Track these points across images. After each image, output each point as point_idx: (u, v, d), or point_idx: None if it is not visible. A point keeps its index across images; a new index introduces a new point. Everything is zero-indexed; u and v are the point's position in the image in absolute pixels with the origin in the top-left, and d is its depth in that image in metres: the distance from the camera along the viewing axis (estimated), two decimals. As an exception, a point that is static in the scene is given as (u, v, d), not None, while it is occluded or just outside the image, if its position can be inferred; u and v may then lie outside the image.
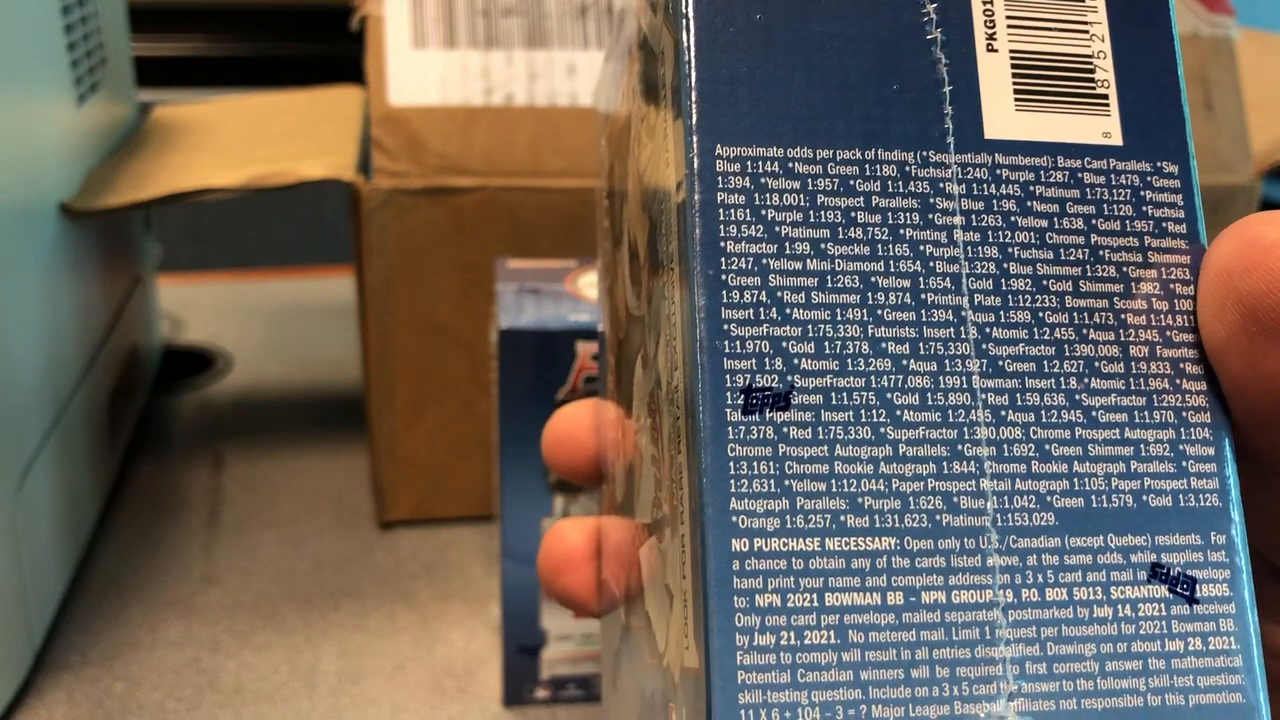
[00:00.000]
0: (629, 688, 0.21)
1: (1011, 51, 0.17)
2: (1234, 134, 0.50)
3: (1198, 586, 0.16)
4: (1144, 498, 0.16)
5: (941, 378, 0.16)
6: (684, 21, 0.17)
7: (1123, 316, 0.17)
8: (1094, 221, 0.17)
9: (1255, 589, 0.17)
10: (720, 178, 0.16)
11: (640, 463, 0.20)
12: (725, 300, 0.16)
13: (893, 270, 0.16)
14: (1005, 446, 0.16)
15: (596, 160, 0.27)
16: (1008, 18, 0.17)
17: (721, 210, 0.16)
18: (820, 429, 0.16)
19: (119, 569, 0.47)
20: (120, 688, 0.41)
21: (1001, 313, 0.16)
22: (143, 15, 0.67)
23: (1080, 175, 0.17)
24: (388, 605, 0.46)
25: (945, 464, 0.16)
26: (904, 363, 0.16)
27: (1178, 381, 0.17)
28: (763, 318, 0.16)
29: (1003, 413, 0.16)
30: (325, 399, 0.64)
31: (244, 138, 0.54)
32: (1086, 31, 0.18)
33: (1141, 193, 0.17)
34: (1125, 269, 0.17)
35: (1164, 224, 0.17)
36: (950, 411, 0.16)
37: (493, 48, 0.47)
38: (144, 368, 0.60)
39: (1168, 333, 0.17)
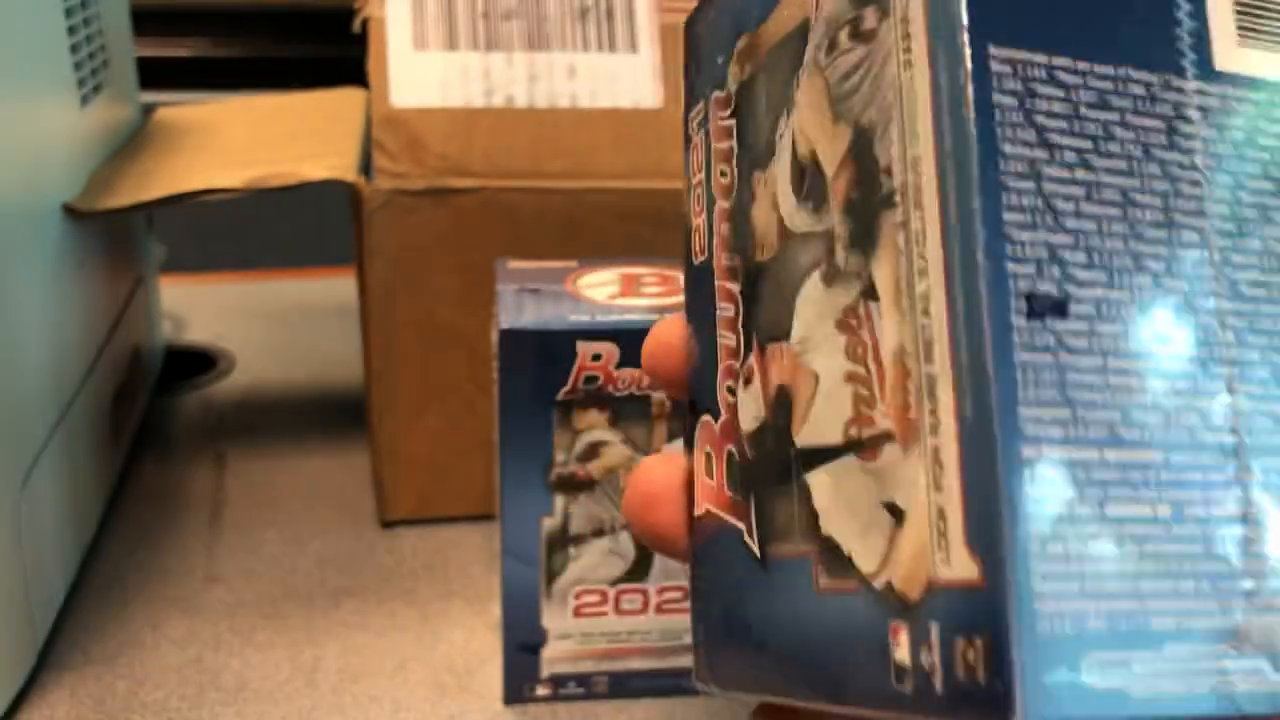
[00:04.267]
0: (780, 618, 0.21)
1: None
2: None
3: None
4: None
5: (1192, 298, 0.16)
6: None
7: None
8: None
9: None
10: (995, 78, 0.16)
11: (811, 385, 0.20)
12: (1006, 203, 0.16)
13: (1148, 188, 0.16)
14: (1245, 368, 0.16)
15: (699, 81, 0.26)
16: None
17: (998, 111, 0.16)
18: (1095, 339, 0.16)
19: (122, 568, 0.48)
20: (123, 686, 0.41)
21: (1237, 239, 0.17)
22: (145, 16, 0.67)
23: None
24: (389, 604, 0.46)
25: (1198, 380, 0.16)
26: (1161, 280, 0.16)
27: None
28: (1040, 223, 0.16)
29: (1243, 335, 0.16)
30: (327, 399, 0.64)
31: (246, 139, 0.54)
32: None
33: None
34: None
35: None
36: (1201, 331, 0.16)
37: (493, 49, 0.47)
38: (147, 368, 0.60)
39: None
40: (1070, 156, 0.16)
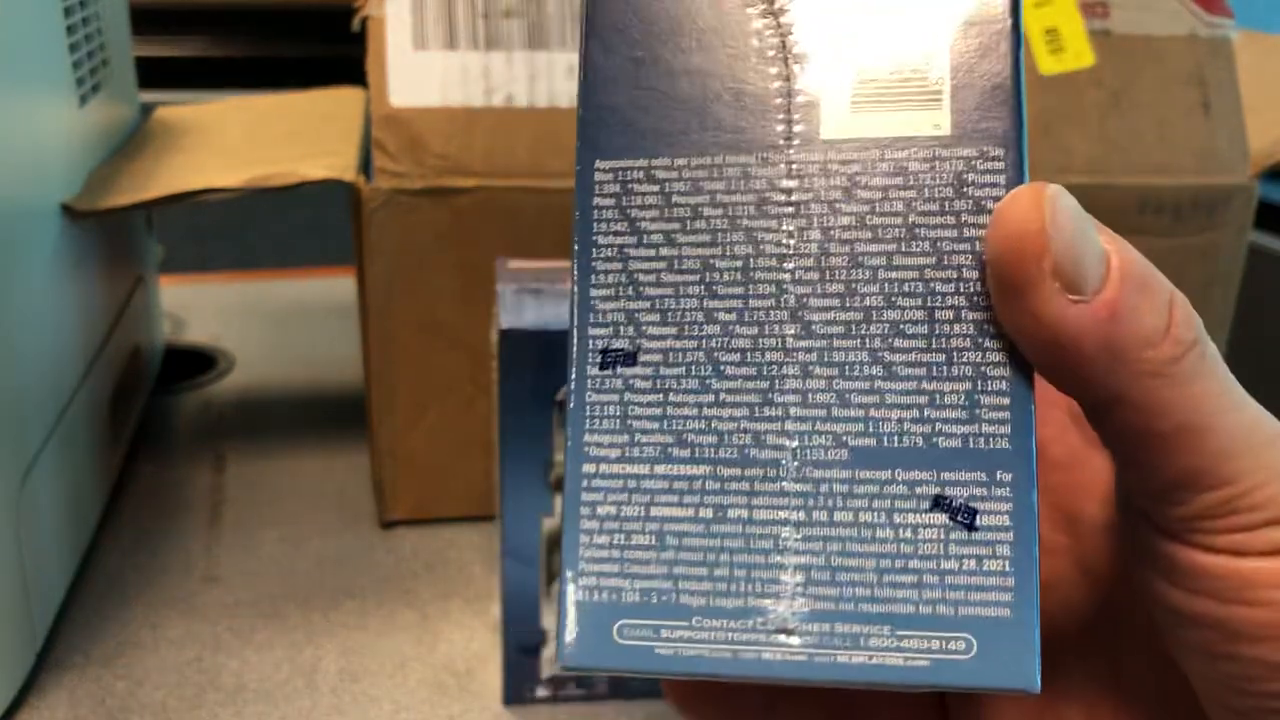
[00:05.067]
0: None
1: (852, 62, 0.20)
2: (1231, 135, 0.50)
3: (978, 516, 0.19)
4: (934, 440, 0.19)
5: (760, 339, 0.20)
6: (583, 71, 0.21)
7: (932, 285, 0.19)
8: (914, 204, 0.19)
9: (1143, 545, 0.19)
10: (598, 186, 0.20)
11: None
12: (594, 282, 0.20)
13: (729, 254, 0.20)
14: (809, 395, 0.19)
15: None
16: (851, 31, 0.20)
17: (596, 211, 0.20)
18: (659, 380, 0.20)
19: (121, 568, 0.48)
20: (122, 686, 0.41)
21: (818, 285, 0.19)
22: (145, 16, 0.67)
23: (905, 164, 0.20)
24: (389, 604, 0.46)
25: (756, 409, 0.19)
26: (730, 328, 0.20)
27: (980, 340, 0.19)
28: (621, 295, 0.20)
29: (810, 368, 0.19)
30: (326, 399, 0.64)
31: (245, 139, 0.54)
32: (923, 34, 0.20)
33: (964, 175, 0.19)
34: (939, 244, 0.19)
35: (983, 202, 0.19)
36: (765, 367, 0.19)
37: (493, 49, 0.47)
38: (146, 367, 0.60)
39: (975, 298, 0.19)
40: (657, 238, 0.20)
